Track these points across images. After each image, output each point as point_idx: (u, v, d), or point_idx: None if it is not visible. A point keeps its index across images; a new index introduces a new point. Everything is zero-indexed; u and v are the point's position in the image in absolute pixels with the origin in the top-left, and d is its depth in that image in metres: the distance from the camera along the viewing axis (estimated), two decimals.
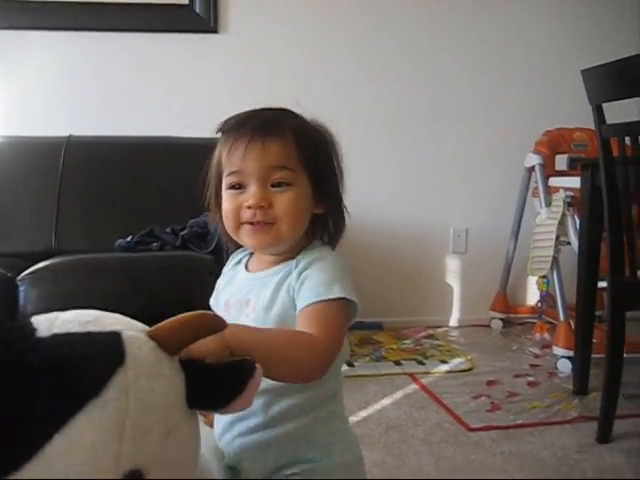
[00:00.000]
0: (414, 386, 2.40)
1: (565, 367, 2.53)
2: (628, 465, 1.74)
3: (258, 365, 0.67)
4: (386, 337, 3.02)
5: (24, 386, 0.56)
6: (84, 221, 2.58)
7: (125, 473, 0.56)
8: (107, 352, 0.60)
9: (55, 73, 3.01)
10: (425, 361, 2.67)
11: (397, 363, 2.64)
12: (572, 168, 2.81)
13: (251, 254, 1.06)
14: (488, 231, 3.35)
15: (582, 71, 1.90)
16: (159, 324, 0.66)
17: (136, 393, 0.59)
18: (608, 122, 1.84)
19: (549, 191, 2.89)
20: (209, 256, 2.20)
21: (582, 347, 2.29)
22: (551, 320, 2.98)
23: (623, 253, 1.85)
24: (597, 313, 2.38)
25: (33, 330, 0.61)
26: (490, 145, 3.33)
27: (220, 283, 1.09)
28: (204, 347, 0.67)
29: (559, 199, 2.74)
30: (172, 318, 0.65)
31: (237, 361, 0.68)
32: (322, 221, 1.03)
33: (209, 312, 0.66)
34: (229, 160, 0.96)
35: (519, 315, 3.34)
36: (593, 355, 2.26)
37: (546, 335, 3.00)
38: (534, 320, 3.17)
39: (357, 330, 3.02)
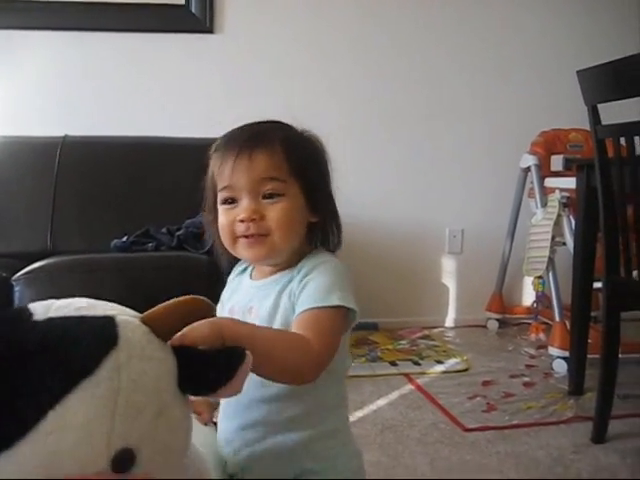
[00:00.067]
0: (410, 386, 2.40)
1: (560, 367, 2.54)
2: (623, 465, 1.74)
3: (248, 352, 0.68)
4: (382, 337, 3.02)
5: (19, 366, 0.57)
6: (79, 221, 2.58)
7: (117, 451, 0.58)
8: (101, 334, 0.62)
9: (51, 73, 3.00)
10: (421, 361, 2.68)
11: (393, 363, 2.64)
12: (568, 169, 2.81)
13: None
14: (484, 231, 3.35)
15: (578, 72, 1.90)
16: (151, 310, 0.68)
17: (128, 374, 0.60)
18: (607, 122, 1.84)
19: (545, 192, 2.90)
20: (205, 256, 2.20)
21: (577, 347, 2.29)
22: (547, 320, 2.98)
23: (618, 254, 1.86)
24: (593, 314, 2.38)
25: (30, 314, 0.63)
26: (486, 145, 3.34)
27: (225, 294, 1.10)
28: (198, 333, 0.68)
29: (555, 200, 2.75)
30: (164, 303, 0.68)
31: (228, 348, 0.70)
32: (320, 229, 1.03)
33: (199, 297, 0.68)
34: (220, 176, 0.97)
35: (515, 315, 3.34)
36: (588, 355, 2.27)
37: (542, 335, 3.00)
38: (530, 321, 3.17)
39: (353, 330, 2.99)
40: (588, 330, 2.28)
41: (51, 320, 0.62)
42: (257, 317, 0.96)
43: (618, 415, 1.98)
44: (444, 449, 1.86)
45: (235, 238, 0.97)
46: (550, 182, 2.88)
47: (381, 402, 2.21)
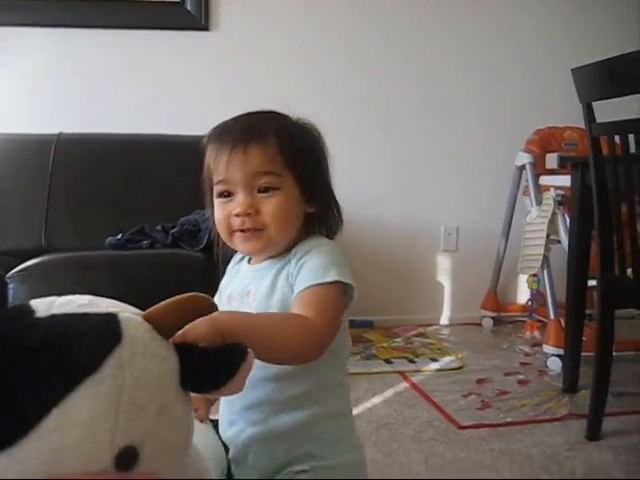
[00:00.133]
0: (404, 384, 2.40)
1: (555, 365, 2.54)
2: (617, 463, 1.75)
3: (250, 350, 0.69)
4: (377, 335, 3.02)
5: (22, 363, 0.57)
6: (74, 219, 2.58)
7: (120, 449, 0.58)
8: (104, 331, 0.62)
9: (45, 70, 2.99)
10: (416, 359, 2.68)
11: (388, 361, 2.64)
12: (562, 167, 2.82)
13: None
14: (479, 229, 3.35)
15: (572, 69, 1.91)
16: (153, 307, 0.68)
17: (132, 371, 0.60)
18: (606, 120, 1.84)
19: (540, 190, 2.90)
20: (200, 254, 2.20)
21: (572, 345, 2.29)
22: (541, 318, 2.99)
23: (613, 251, 1.86)
24: (587, 312, 2.38)
25: (32, 311, 0.63)
26: (481, 143, 3.34)
27: (223, 282, 1.11)
28: (197, 331, 0.69)
29: (549, 198, 2.75)
30: (165, 301, 0.68)
31: (229, 345, 0.70)
32: (317, 219, 1.04)
33: (200, 294, 0.68)
34: (215, 169, 0.98)
35: (510, 313, 3.35)
36: (583, 353, 2.27)
37: (536, 333, 3.01)
38: (524, 318, 3.18)
39: (348, 328, 3.02)
40: (582, 328, 2.29)
41: (54, 317, 0.62)
42: (255, 300, 0.97)
43: (612, 412, 1.99)
44: (439, 446, 1.86)
45: (231, 232, 0.98)
46: (545, 180, 2.89)
47: (376, 400, 2.22)
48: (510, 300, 3.43)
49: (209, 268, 2.07)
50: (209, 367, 0.67)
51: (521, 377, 2.48)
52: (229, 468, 0.99)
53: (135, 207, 2.59)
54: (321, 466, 0.94)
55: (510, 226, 3.19)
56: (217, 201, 0.99)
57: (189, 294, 0.68)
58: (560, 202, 2.72)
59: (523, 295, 3.36)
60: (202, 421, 1.00)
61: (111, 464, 0.57)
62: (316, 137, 1.04)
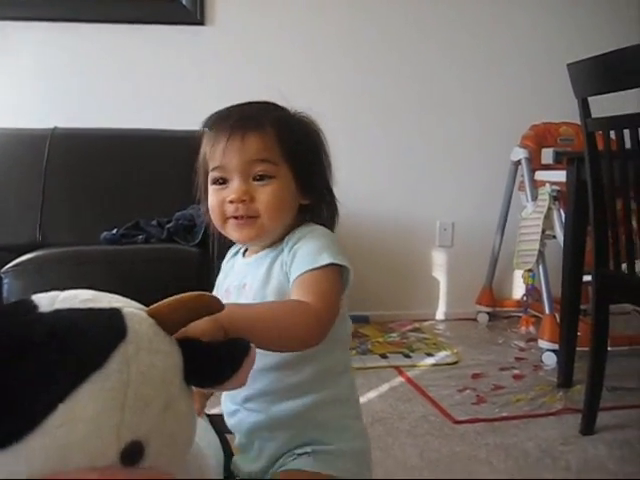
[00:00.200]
0: (400, 379, 2.40)
1: (550, 360, 2.55)
2: (611, 457, 1.76)
3: (252, 345, 0.69)
4: (372, 330, 3.02)
5: (27, 358, 0.57)
6: (69, 213, 2.57)
7: (126, 444, 0.57)
8: (109, 326, 0.61)
9: (40, 65, 2.98)
10: (411, 354, 2.68)
11: (383, 356, 2.65)
12: (558, 162, 2.82)
13: None
14: (474, 225, 3.36)
15: (568, 65, 1.90)
16: (158, 303, 0.67)
17: (137, 366, 0.60)
18: (603, 115, 1.84)
19: (535, 185, 2.90)
20: (195, 249, 2.20)
21: (567, 340, 2.30)
22: (536, 314, 2.99)
23: (608, 247, 1.86)
24: (582, 307, 2.39)
25: (35, 306, 0.62)
26: (477, 139, 3.34)
27: (219, 278, 1.11)
28: (198, 329, 0.69)
29: (545, 193, 2.75)
30: (170, 298, 0.67)
31: (232, 340, 0.70)
32: (311, 211, 1.04)
33: (206, 293, 0.68)
34: (212, 156, 0.98)
35: (505, 309, 3.35)
36: (578, 348, 2.28)
37: (531, 328, 3.02)
38: (520, 314, 3.18)
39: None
40: (577, 323, 2.29)
41: (58, 312, 0.62)
42: (251, 291, 0.97)
43: (607, 407, 2.00)
44: (434, 441, 1.87)
45: (225, 219, 0.98)
46: (540, 175, 2.89)
47: (371, 394, 2.22)
48: (505, 295, 3.43)
49: (204, 263, 2.07)
50: (213, 362, 0.67)
51: (516, 372, 2.49)
52: (226, 462, 0.99)
53: (130, 202, 2.58)
54: (323, 450, 0.95)
55: (505, 221, 3.19)
56: (212, 188, 0.99)
57: (195, 293, 0.67)
58: (555, 197, 2.73)
59: (518, 290, 3.36)
60: (198, 415, 1.01)
61: (117, 459, 0.57)
62: (314, 130, 1.04)
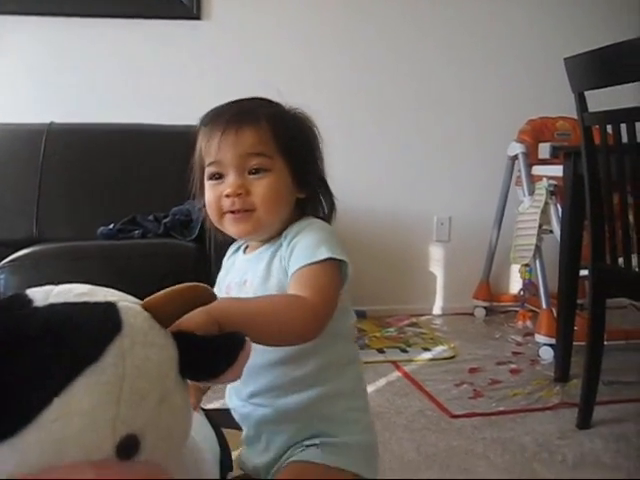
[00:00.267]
0: (397, 374, 2.41)
1: (547, 354, 2.55)
2: (607, 451, 1.76)
3: (248, 338, 0.69)
4: (370, 325, 3.02)
5: (23, 352, 0.57)
6: (65, 209, 2.57)
7: (122, 438, 0.57)
8: (104, 320, 0.61)
9: (36, 59, 2.97)
10: (408, 349, 2.68)
11: (380, 351, 2.65)
12: (555, 156, 2.82)
13: None
14: (471, 220, 3.36)
15: (565, 59, 1.90)
16: (152, 296, 0.67)
17: (132, 360, 0.60)
18: (601, 109, 1.84)
19: (532, 180, 2.90)
20: (192, 244, 2.19)
21: (564, 335, 2.31)
22: (533, 308, 3.00)
23: (604, 241, 1.86)
24: (579, 301, 2.39)
25: (29, 300, 0.62)
26: (473, 134, 3.34)
27: (220, 275, 1.11)
28: (192, 322, 0.69)
29: (542, 188, 2.75)
30: (164, 290, 0.67)
31: (227, 334, 0.70)
32: (308, 204, 1.04)
33: (200, 284, 0.68)
34: (207, 151, 0.98)
35: (502, 303, 3.36)
36: (574, 343, 2.28)
37: (528, 323, 3.02)
38: (517, 308, 3.18)
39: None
40: (574, 317, 2.30)
41: (52, 306, 0.62)
42: (252, 287, 0.98)
43: (603, 401, 2.00)
44: (431, 435, 1.87)
45: (222, 214, 0.98)
46: (537, 170, 2.89)
47: (368, 389, 2.19)
48: (502, 290, 3.43)
49: (201, 258, 2.07)
50: (208, 355, 0.67)
51: (513, 366, 2.49)
52: (221, 456, 1.00)
53: (127, 197, 2.58)
54: (331, 442, 0.95)
55: (502, 216, 3.19)
56: (208, 183, 0.99)
57: (189, 284, 0.67)
58: (552, 192, 2.73)
59: (515, 285, 3.37)
60: (194, 409, 1.01)
61: (113, 453, 0.57)
62: (309, 126, 1.05)
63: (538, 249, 2.78)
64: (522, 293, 3.09)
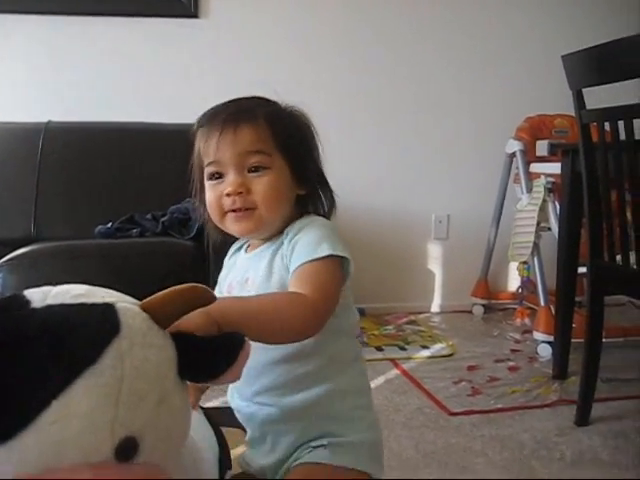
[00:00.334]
0: (395, 371, 2.41)
1: (545, 352, 2.56)
2: (605, 448, 1.76)
3: (247, 339, 0.69)
4: (368, 323, 3.02)
5: (20, 354, 0.56)
6: (63, 207, 2.56)
7: (121, 440, 0.57)
8: (103, 321, 0.61)
9: (34, 58, 2.97)
10: (407, 347, 2.69)
11: (379, 349, 2.65)
12: (553, 154, 2.82)
13: None
14: (470, 217, 3.36)
15: (562, 56, 1.90)
16: (150, 297, 0.67)
17: (131, 361, 0.59)
18: (600, 106, 1.84)
19: (530, 177, 2.91)
20: (190, 242, 2.19)
21: (562, 332, 2.31)
22: (532, 306, 3.00)
23: (602, 238, 1.87)
24: (577, 299, 2.39)
25: (26, 301, 0.62)
26: (471, 131, 3.34)
27: (221, 274, 1.11)
28: (191, 323, 0.68)
29: (540, 185, 2.76)
30: (163, 291, 0.67)
31: (227, 334, 0.69)
32: (308, 201, 1.04)
33: (199, 285, 0.67)
34: (206, 151, 0.98)
35: (500, 301, 3.36)
36: (573, 340, 2.28)
37: (527, 320, 3.02)
38: (515, 306, 3.19)
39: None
40: (572, 315, 2.30)
41: (50, 307, 0.61)
42: (254, 285, 0.97)
43: (601, 398, 2.01)
44: (429, 433, 1.87)
45: (223, 213, 0.98)
46: (535, 167, 2.89)
47: None
48: (501, 287, 3.44)
49: (199, 256, 2.07)
50: (207, 356, 0.67)
51: (511, 364, 2.49)
52: (220, 455, 0.99)
53: (125, 195, 2.57)
54: (338, 442, 0.95)
55: (501, 214, 3.20)
56: (208, 184, 0.99)
57: (188, 285, 0.67)
58: (550, 189, 2.73)
59: (513, 282, 3.37)
60: (193, 408, 1.01)
61: (111, 455, 0.56)
62: (306, 124, 1.05)
63: (536, 246, 2.78)
64: (520, 290, 3.09)
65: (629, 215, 1.74)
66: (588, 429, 1.88)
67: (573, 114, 1.93)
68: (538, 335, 2.62)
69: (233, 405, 1.03)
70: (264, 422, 0.97)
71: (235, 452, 1.07)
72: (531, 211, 2.79)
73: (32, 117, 2.72)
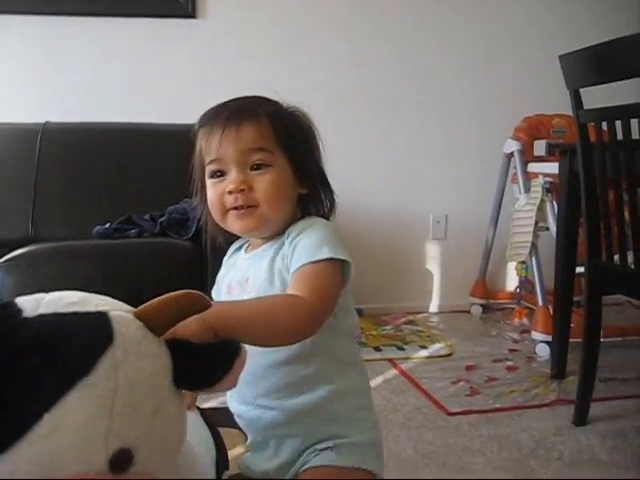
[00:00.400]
0: (394, 371, 2.41)
1: (543, 351, 2.56)
2: (603, 447, 1.76)
3: (243, 346, 0.68)
4: (366, 323, 3.02)
5: (11, 365, 0.55)
6: (61, 208, 2.56)
7: (115, 452, 0.56)
8: (96, 331, 0.60)
9: (31, 58, 2.96)
10: (405, 347, 2.69)
11: (377, 349, 2.65)
12: (550, 154, 2.82)
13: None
14: (468, 217, 3.36)
15: (560, 56, 1.90)
16: (145, 304, 0.66)
17: (125, 372, 0.59)
18: (602, 106, 1.84)
19: (528, 177, 2.91)
20: (188, 243, 2.19)
21: (560, 332, 2.31)
22: (530, 305, 3.00)
23: (600, 238, 1.87)
24: (575, 298, 2.40)
25: (18, 310, 0.60)
26: (469, 131, 3.34)
27: (220, 274, 1.11)
28: (187, 330, 0.67)
29: (538, 185, 2.76)
30: (157, 298, 0.66)
31: (222, 341, 0.69)
32: (310, 200, 1.04)
33: (193, 291, 0.67)
34: (207, 150, 0.98)
35: (498, 301, 3.36)
36: (571, 340, 2.29)
37: (525, 320, 3.03)
38: (513, 305, 3.20)
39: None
40: (570, 314, 2.30)
41: (42, 317, 0.60)
42: (254, 285, 0.97)
43: (599, 398, 2.01)
44: (428, 433, 1.87)
45: (225, 211, 0.97)
46: (533, 167, 2.89)
47: None
48: (499, 287, 3.44)
49: (197, 257, 2.07)
50: (203, 364, 0.66)
51: (510, 363, 2.49)
52: (217, 456, 0.99)
53: (123, 196, 2.57)
54: (343, 444, 0.95)
55: (499, 214, 3.20)
56: (210, 182, 0.99)
57: (183, 291, 0.66)
58: (548, 189, 2.73)
59: (512, 282, 3.37)
60: (189, 409, 1.00)
61: (105, 467, 0.56)
62: (307, 124, 1.05)
63: (534, 246, 2.78)
64: (518, 290, 3.09)
65: (627, 215, 1.74)
66: (586, 429, 1.89)
67: (571, 114, 1.93)
68: (536, 335, 2.62)
69: (233, 410, 1.02)
70: (268, 426, 0.97)
71: (233, 452, 1.07)
72: (529, 211, 2.79)
73: (30, 118, 2.72)
